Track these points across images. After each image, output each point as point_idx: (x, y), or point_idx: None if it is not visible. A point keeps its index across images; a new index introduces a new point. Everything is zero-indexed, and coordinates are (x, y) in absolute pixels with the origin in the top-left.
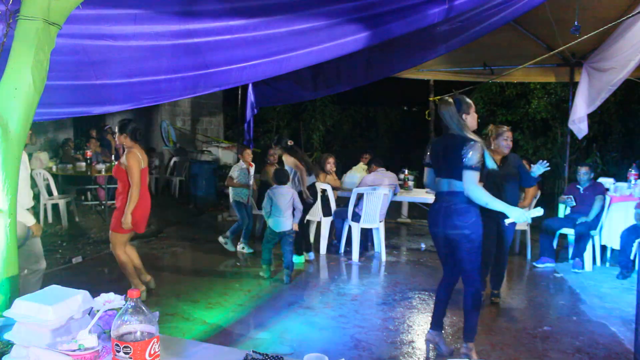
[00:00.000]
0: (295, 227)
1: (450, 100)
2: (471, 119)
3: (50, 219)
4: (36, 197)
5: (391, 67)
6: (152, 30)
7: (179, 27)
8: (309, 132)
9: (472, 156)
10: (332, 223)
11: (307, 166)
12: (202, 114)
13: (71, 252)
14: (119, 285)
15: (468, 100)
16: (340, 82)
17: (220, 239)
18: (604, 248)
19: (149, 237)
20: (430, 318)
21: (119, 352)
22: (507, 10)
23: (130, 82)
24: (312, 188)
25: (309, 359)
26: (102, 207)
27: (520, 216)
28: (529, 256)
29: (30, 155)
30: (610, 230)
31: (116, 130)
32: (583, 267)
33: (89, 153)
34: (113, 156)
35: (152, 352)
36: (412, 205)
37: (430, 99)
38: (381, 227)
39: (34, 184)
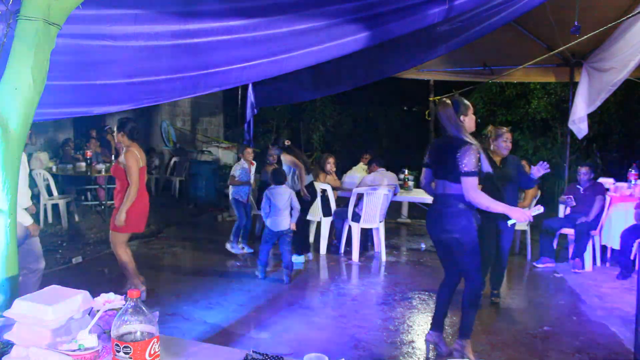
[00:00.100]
0: (293, 227)
1: (448, 101)
2: (469, 121)
3: (50, 219)
4: (35, 197)
5: (391, 67)
6: (152, 30)
7: (179, 27)
8: (309, 132)
9: (468, 161)
10: (332, 223)
11: (306, 165)
12: (202, 114)
13: (71, 252)
14: (119, 285)
15: (466, 101)
16: (340, 82)
17: (227, 246)
18: (604, 248)
19: (149, 237)
20: (430, 318)
21: (119, 352)
22: (507, 10)
23: (130, 82)
24: (310, 187)
25: (309, 359)
26: (102, 207)
27: (521, 216)
28: (529, 256)
29: (30, 156)
30: (610, 230)
31: (114, 128)
32: (583, 267)
33: (89, 153)
34: (113, 156)
35: (152, 352)
36: (412, 205)
37: (430, 99)
38: (381, 227)
39: (33, 184)
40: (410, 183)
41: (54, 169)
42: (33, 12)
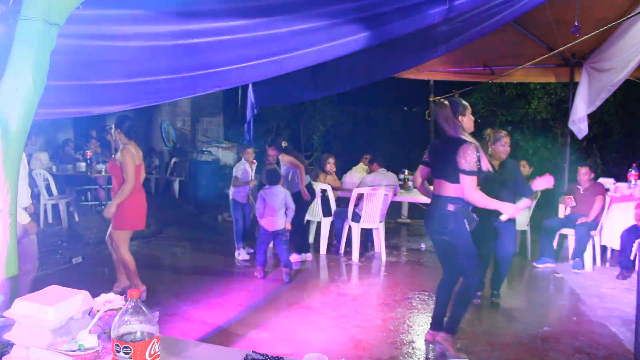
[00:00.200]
0: (288, 226)
1: (446, 102)
2: (467, 121)
3: (50, 219)
4: (36, 197)
5: (391, 67)
6: (152, 30)
7: (179, 28)
8: (309, 132)
9: (467, 160)
10: (332, 223)
11: (304, 166)
12: (202, 114)
13: (71, 252)
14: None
15: (464, 102)
16: (340, 82)
17: (235, 255)
18: (604, 248)
19: (149, 237)
20: (430, 318)
21: (119, 352)
22: (507, 10)
23: (130, 82)
24: (308, 187)
25: (309, 359)
26: (102, 207)
27: (513, 211)
28: (529, 256)
29: (30, 156)
30: (610, 231)
31: (111, 125)
32: (583, 268)
33: (89, 153)
34: (113, 156)
35: (152, 352)
36: (412, 206)
37: (431, 99)
38: (381, 227)
39: (33, 184)
40: (410, 183)
41: (54, 169)
42: (33, 12)
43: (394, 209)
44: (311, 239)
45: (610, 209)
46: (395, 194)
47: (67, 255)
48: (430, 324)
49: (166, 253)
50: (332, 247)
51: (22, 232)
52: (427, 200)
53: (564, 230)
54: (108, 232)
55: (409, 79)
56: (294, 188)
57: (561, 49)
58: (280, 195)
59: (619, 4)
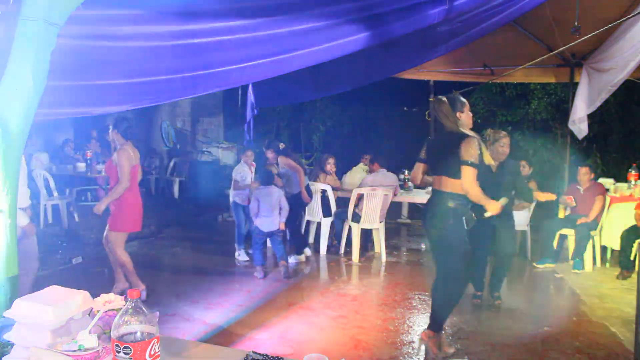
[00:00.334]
0: (282, 227)
1: (444, 98)
2: (466, 117)
3: (50, 219)
4: (36, 197)
5: (391, 67)
6: (152, 30)
7: (179, 28)
8: (309, 132)
9: (469, 152)
10: (332, 224)
11: (303, 168)
12: (202, 114)
13: (71, 252)
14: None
15: (462, 99)
16: (340, 82)
17: (236, 255)
18: (604, 248)
19: (149, 237)
20: (430, 319)
21: (119, 352)
22: (507, 10)
23: (130, 82)
24: (306, 188)
25: (309, 359)
26: None
27: (494, 208)
28: (529, 256)
29: (30, 156)
30: (611, 231)
31: (109, 125)
32: (583, 268)
33: (89, 153)
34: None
35: (152, 352)
36: (412, 206)
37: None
38: (381, 227)
39: (33, 184)
40: (410, 184)
41: (54, 169)
42: (33, 12)
43: (394, 209)
44: (311, 239)
45: (610, 209)
46: (395, 194)
47: (67, 256)
48: (429, 324)
49: (166, 253)
50: (332, 247)
51: (21, 233)
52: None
53: (564, 231)
54: (105, 234)
55: (409, 79)
56: (293, 190)
57: (561, 49)
58: (274, 195)
59: (619, 4)
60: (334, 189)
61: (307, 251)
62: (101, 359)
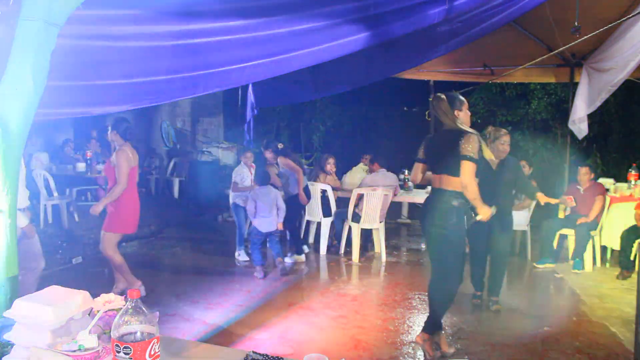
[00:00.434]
0: (280, 226)
1: (443, 96)
2: (464, 116)
3: (50, 219)
4: (36, 197)
5: (391, 67)
6: (152, 30)
7: (179, 28)
8: (309, 133)
9: (469, 147)
10: (332, 224)
11: (302, 168)
12: (202, 114)
13: (71, 252)
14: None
15: (461, 97)
16: (340, 82)
17: (236, 255)
18: (604, 248)
19: (149, 237)
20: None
21: (119, 352)
22: (507, 10)
23: (130, 82)
24: (304, 188)
25: (309, 359)
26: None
27: (485, 213)
28: (529, 256)
29: (30, 156)
30: (611, 231)
31: (108, 126)
32: (583, 268)
33: (89, 153)
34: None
35: (152, 352)
36: (412, 206)
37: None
38: (381, 227)
39: (33, 184)
40: (410, 184)
41: (54, 169)
42: (33, 12)
43: (394, 209)
44: (311, 239)
45: (610, 209)
46: (395, 194)
47: (67, 255)
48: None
49: (166, 253)
50: (332, 247)
51: (21, 234)
52: None
53: (564, 230)
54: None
55: (409, 79)
56: (292, 191)
57: (561, 49)
58: (270, 195)
59: (619, 4)
60: (334, 189)
61: (305, 248)
62: (101, 359)
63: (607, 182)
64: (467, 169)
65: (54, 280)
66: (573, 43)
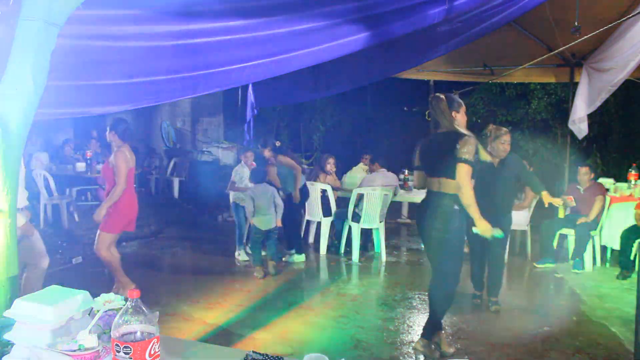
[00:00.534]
0: (279, 223)
1: (442, 96)
2: (461, 118)
3: (50, 219)
4: (36, 197)
5: (391, 67)
6: (152, 30)
7: (179, 28)
8: (309, 132)
9: (466, 150)
10: (332, 223)
11: (301, 166)
12: (202, 114)
13: (71, 252)
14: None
15: (459, 99)
16: (340, 82)
17: (236, 255)
18: (604, 248)
19: (149, 237)
20: None
21: (119, 352)
22: (507, 10)
23: (130, 82)
24: (302, 187)
25: (309, 359)
26: None
27: (485, 230)
28: (529, 256)
29: (30, 156)
30: (611, 231)
31: (107, 126)
32: (583, 268)
33: (89, 153)
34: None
35: (152, 352)
36: (412, 206)
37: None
38: (381, 227)
39: (33, 184)
40: (410, 183)
41: (54, 169)
42: (33, 12)
43: (394, 209)
44: (311, 239)
45: (611, 209)
46: (395, 194)
47: (67, 255)
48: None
49: (166, 253)
50: (332, 247)
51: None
52: None
53: (564, 230)
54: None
55: (409, 79)
56: (288, 189)
57: (561, 49)
58: (267, 192)
59: (619, 4)
60: (334, 188)
61: (294, 252)
62: (101, 359)
63: (607, 182)
64: (463, 171)
65: (54, 280)
66: (573, 43)
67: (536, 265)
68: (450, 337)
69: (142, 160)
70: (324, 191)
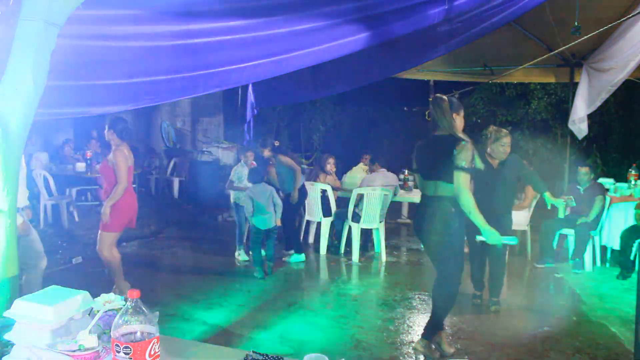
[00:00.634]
0: (278, 222)
1: (445, 97)
2: (459, 120)
3: (50, 219)
4: (35, 197)
5: (391, 67)
6: (152, 30)
7: (179, 28)
8: (309, 132)
9: (463, 157)
10: (332, 223)
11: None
12: (202, 114)
13: (71, 252)
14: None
15: (459, 102)
16: (340, 82)
17: (235, 255)
18: (604, 248)
19: (149, 237)
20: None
21: (119, 352)
22: (507, 10)
23: (130, 82)
24: (301, 187)
25: (309, 359)
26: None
27: (493, 239)
28: (529, 256)
29: (30, 156)
30: (611, 231)
31: (106, 126)
32: (583, 268)
33: (89, 153)
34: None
35: (152, 352)
36: (412, 206)
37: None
38: (381, 227)
39: (33, 184)
40: (410, 183)
41: (54, 169)
42: (33, 12)
43: (394, 209)
44: (311, 239)
45: (610, 209)
46: (395, 194)
47: (67, 255)
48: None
49: (166, 253)
50: (332, 247)
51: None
52: None
53: (564, 230)
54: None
55: (409, 79)
56: (290, 189)
57: (561, 49)
58: (266, 192)
59: (619, 4)
60: (334, 188)
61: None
62: (101, 359)
63: (607, 182)
64: (461, 179)
65: (54, 280)
66: (573, 43)
67: (536, 265)
68: (450, 337)
69: (142, 160)
70: (324, 191)
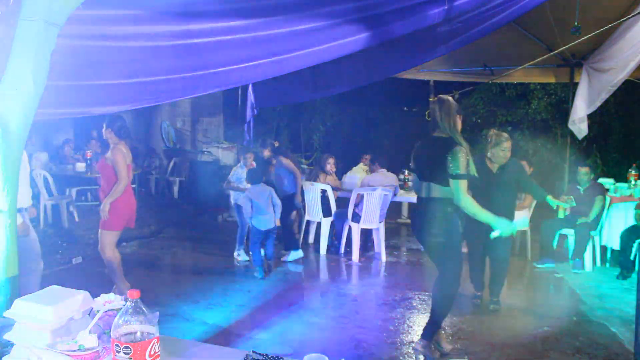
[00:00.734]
0: (278, 222)
1: (449, 97)
2: (459, 122)
3: (50, 219)
4: (35, 197)
5: (391, 67)
6: (152, 30)
7: (179, 28)
8: (309, 132)
9: (457, 163)
10: (332, 224)
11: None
12: (202, 114)
13: (71, 252)
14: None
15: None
16: (340, 82)
17: (235, 255)
18: (604, 248)
19: (149, 237)
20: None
21: (119, 352)
22: (507, 10)
23: (130, 82)
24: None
25: (309, 359)
26: None
27: (506, 227)
28: (529, 256)
29: (30, 156)
30: (611, 231)
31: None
32: (583, 268)
33: (89, 153)
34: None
35: (152, 352)
36: (413, 206)
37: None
38: (381, 227)
39: (33, 184)
40: (410, 183)
41: (54, 169)
42: (33, 12)
43: (394, 209)
44: (311, 239)
45: (610, 209)
46: (395, 194)
47: (67, 255)
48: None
49: (166, 253)
50: (332, 247)
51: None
52: None
53: (564, 230)
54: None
55: (409, 79)
56: (286, 190)
57: (561, 49)
58: (265, 192)
59: (619, 4)
60: (334, 189)
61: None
62: (101, 359)
63: (607, 182)
64: (458, 187)
65: (54, 280)
66: (573, 43)
67: (536, 266)
68: (450, 337)
69: (142, 160)
70: (324, 191)
